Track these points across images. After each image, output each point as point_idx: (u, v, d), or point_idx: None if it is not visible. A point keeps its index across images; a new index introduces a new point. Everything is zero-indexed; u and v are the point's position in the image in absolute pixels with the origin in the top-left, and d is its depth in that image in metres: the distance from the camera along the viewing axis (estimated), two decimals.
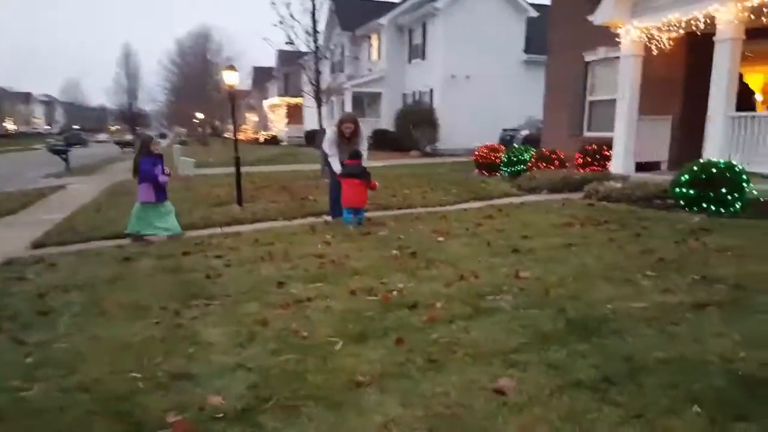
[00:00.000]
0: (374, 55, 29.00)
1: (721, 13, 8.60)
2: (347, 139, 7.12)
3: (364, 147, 7.31)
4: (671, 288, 3.83)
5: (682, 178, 7.29)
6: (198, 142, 45.08)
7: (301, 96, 40.70)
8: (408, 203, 8.82)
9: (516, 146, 12.83)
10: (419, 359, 2.85)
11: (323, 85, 23.88)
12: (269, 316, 3.61)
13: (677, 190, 7.37)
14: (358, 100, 30.05)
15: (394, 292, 4.00)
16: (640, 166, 10.86)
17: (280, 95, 45.77)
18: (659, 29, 10.33)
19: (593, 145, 11.49)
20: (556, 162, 11.67)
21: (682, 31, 10.19)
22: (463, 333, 3.19)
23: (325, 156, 7.50)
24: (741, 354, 2.77)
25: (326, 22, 23.49)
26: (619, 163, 10.68)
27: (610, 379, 2.54)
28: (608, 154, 11.14)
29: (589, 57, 13.36)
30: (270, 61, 46.83)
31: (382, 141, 25.45)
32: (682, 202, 7.33)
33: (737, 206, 6.98)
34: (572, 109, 13.95)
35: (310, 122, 35.97)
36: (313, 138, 28.44)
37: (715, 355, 2.76)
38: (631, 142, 10.66)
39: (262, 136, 46.70)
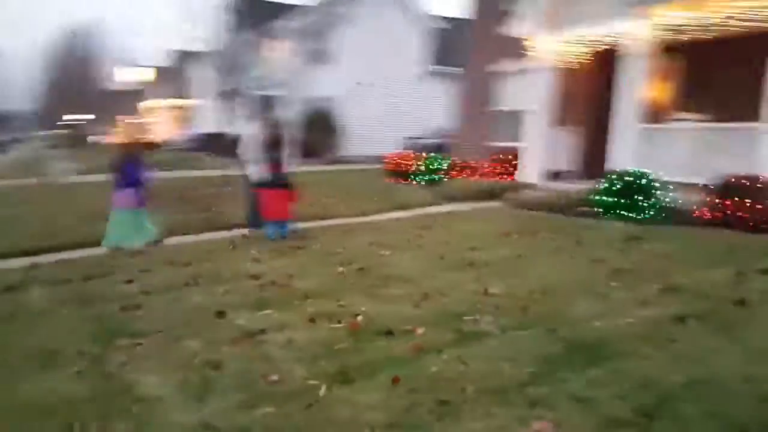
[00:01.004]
0: (278, 58, 28.03)
1: (632, 29, 9.04)
2: (269, 145, 6.52)
3: (287, 154, 6.75)
4: (644, 300, 3.73)
5: (602, 187, 7.51)
6: (71, 146, 40.99)
7: (193, 97, 38.75)
8: (330, 213, 8.34)
9: (431, 155, 12.75)
10: (428, 401, 2.43)
11: (224, 87, 22.80)
12: (220, 357, 3.01)
13: (597, 198, 7.58)
14: (261, 103, 28.93)
15: (359, 317, 3.55)
16: (551, 175, 11.22)
17: (170, 96, 42.96)
18: (573, 43, 10.74)
19: (505, 155, 11.70)
20: (471, 171, 11.75)
21: (597, 45, 10.67)
22: (460, 364, 2.82)
23: (242, 163, 6.82)
24: (751, 371, 2.65)
25: (228, 22, 22.29)
26: (530, 173, 10.93)
27: (647, 413, 2.30)
28: (517, 163, 11.39)
29: (502, 68, 13.68)
30: (157, 60, 43.83)
31: None
32: (600, 210, 7.54)
33: (651, 213, 7.30)
34: (484, 119, 14.21)
35: (204, 125, 34.12)
36: (211, 142, 26.91)
37: (729, 374, 2.63)
38: (542, 152, 10.96)
39: (144, 139, 43.42)
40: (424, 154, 13.19)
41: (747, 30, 8.51)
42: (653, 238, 5.83)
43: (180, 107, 40.82)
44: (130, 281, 4.60)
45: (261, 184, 6.25)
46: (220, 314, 3.70)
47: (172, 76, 42.89)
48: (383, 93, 25.88)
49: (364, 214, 8.43)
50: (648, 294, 3.87)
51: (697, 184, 8.35)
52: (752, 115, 8.96)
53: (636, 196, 7.21)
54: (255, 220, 6.86)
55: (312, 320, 3.52)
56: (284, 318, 3.60)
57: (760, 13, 7.68)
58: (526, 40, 11.12)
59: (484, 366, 2.77)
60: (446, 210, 8.37)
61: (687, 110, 9.95)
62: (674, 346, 2.96)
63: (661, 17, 8.49)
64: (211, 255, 5.53)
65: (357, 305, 3.80)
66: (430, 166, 12.43)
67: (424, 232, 6.47)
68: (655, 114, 10.45)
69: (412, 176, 13.16)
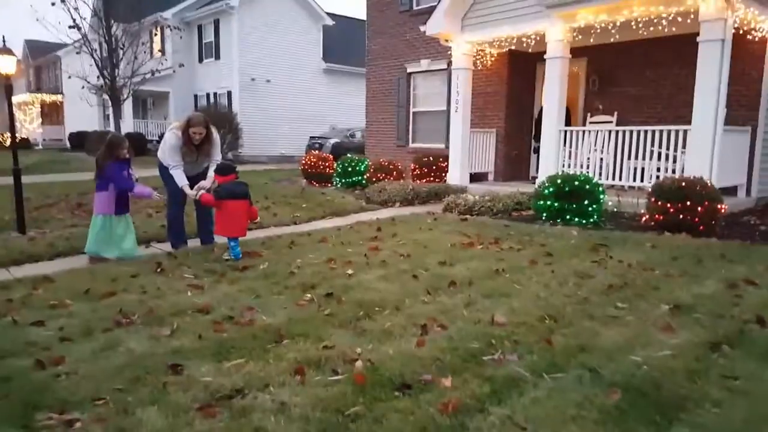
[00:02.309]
0: (159, 51, 25.90)
1: (550, 32, 9.02)
2: (195, 147, 5.60)
3: (218, 158, 5.87)
4: (663, 324, 3.41)
5: (546, 191, 7.35)
6: None
7: (60, 93, 34.88)
8: (257, 222, 7.47)
9: (350, 156, 12.15)
10: None
11: (101, 81, 20.49)
12: None
13: (541, 202, 7.41)
14: (140, 99, 26.66)
15: (358, 363, 2.89)
16: (472, 177, 11.08)
17: (30, 91, 38.43)
18: (490, 44, 10.60)
19: (429, 157, 11.39)
20: (395, 173, 11.30)
21: (513, 47, 10.61)
22: (516, 428, 2.27)
23: (162, 168, 5.83)
24: None
25: (97, 10, 20.07)
26: (456, 175, 10.72)
27: None
28: (444, 165, 11.13)
29: (411, 68, 13.38)
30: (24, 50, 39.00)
31: None
32: (545, 215, 7.39)
33: (596, 217, 7.26)
34: (397, 120, 13.84)
35: (76, 123, 30.94)
36: (84, 141, 24.29)
37: None
38: (465, 154, 10.79)
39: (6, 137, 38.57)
40: (349, 156, 12.55)
41: (663, 34, 8.82)
42: (615, 246, 5.67)
43: (49, 103, 36.74)
44: (39, 323, 3.56)
45: (220, 196, 5.30)
46: (176, 368, 2.87)
47: (41, 69, 38.66)
48: (283, 90, 24.93)
49: (295, 223, 7.71)
50: (661, 316, 3.56)
51: (631, 186, 8.57)
52: (677, 117, 9.36)
53: (584, 201, 7.11)
54: (178, 235, 5.92)
55: (299, 372, 2.81)
56: (262, 370, 2.84)
57: (671, 19, 7.90)
58: (444, 39, 10.85)
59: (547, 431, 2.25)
60: (386, 216, 7.82)
61: (609, 112, 10.21)
62: (737, 385, 2.62)
63: (580, 19, 8.52)
64: (135, 281, 4.55)
65: (347, 346, 3.13)
66: (350, 169, 11.83)
67: (378, 243, 5.87)
68: (580, 116, 10.64)
69: (332, 179, 12.53)
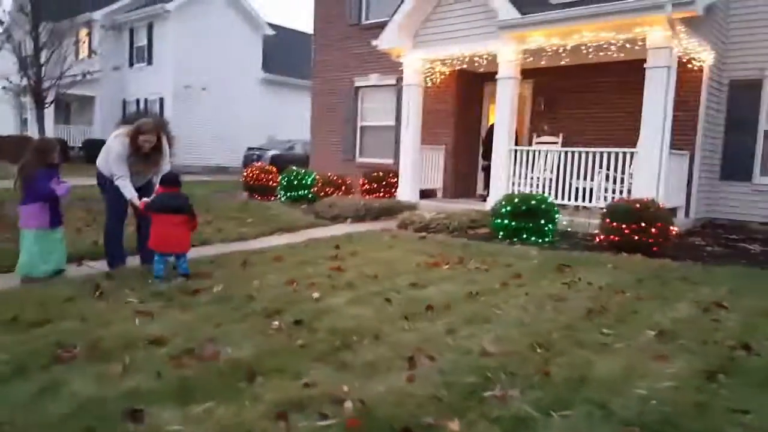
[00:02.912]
0: (85, 54, 24.41)
1: (502, 52, 9.09)
2: (144, 155, 5.11)
3: (167, 168, 5.38)
4: (654, 352, 3.30)
5: (503, 210, 7.30)
6: None
7: None
8: (199, 238, 6.95)
9: (296, 169, 11.75)
10: None
11: (20, 82, 18.98)
12: None
13: (498, 221, 7.34)
14: (63, 103, 24.98)
15: (347, 404, 2.58)
16: (421, 194, 10.97)
17: None
18: (441, 62, 10.58)
19: (378, 172, 11.19)
20: (343, 188, 11.01)
21: (465, 66, 10.63)
22: None
23: (102, 178, 5.28)
24: None
25: (23, 5, 18.69)
26: (406, 191, 10.57)
27: None
28: (394, 181, 10.96)
29: (360, 82, 13.21)
30: None
31: (96, 154, 21.39)
32: (501, 233, 7.33)
33: (551, 236, 7.27)
34: (344, 134, 13.60)
35: None
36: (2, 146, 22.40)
37: None
38: (416, 170, 10.67)
39: None
40: (294, 169, 12.12)
41: (609, 59, 9.09)
42: (578, 266, 5.64)
43: None
44: None
45: (153, 209, 4.83)
46: (135, 414, 2.45)
47: None
48: (219, 99, 24.10)
49: (243, 239, 7.25)
50: (648, 343, 3.47)
51: (578, 207, 8.68)
52: (619, 140, 9.63)
53: (541, 220, 7.10)
54: (116, 252, 5.37)
55: (282, 417, 2.46)
56: (237, 415, 2.48)
57: (620, 45, 8.14)
58: (396, 55, 10.75)
59: None
60: (340, 233, 7.50)
61: (554, 133, 10.40)
62: (750, 421, 2.51)
63: (531, 42, 8.64)
64: (71, 306, 4.01)
65: (330, 383, 2.81)
66: (296, 182, 11.45)
67: (339, 263, 5.55)
68: (526, 137, 10.78)
69: (275, 192, 12.10)
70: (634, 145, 8.92)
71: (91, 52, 23.71)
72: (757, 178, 9.45)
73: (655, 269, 5.58)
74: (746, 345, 3.38)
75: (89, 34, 24.19)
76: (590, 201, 8.52)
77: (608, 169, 8.38)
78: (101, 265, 5.42)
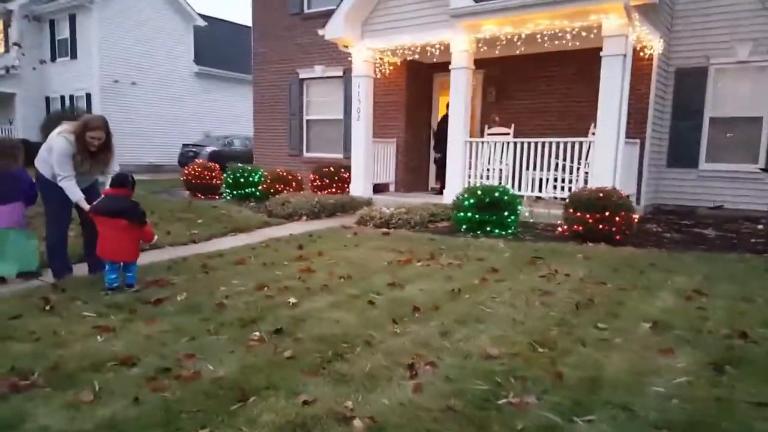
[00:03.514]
0: (4, 47, 22.58)
1: (455, 42, 8.97)
2: (92, 154, 4.60)
3: (115, 168, 4.89)
4: (656, 346, 3.23)
5: (466, 203, 7.18)
6: None
7: None
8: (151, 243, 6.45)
9: (242, 166, 11.25)
10: None
11: None
12: None
13: (461, 214, 7.22)
14: None
15: (356, 423, 2.32)
16: (374, 188, 10.75)
17: None
18: (392, 52, 10.37)
19: (330, 167, 10.87)
20: (294, 184, 10.62)
21: (417, 56, 10.45)
22: None
23: (42, 181, 4.74)
24: None
25: None
26: (359, 186, 10.32)
27: None
28: (346, 176, 10.67)
29: (304, 74, 12.80)
30: None
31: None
32: (464, 226, 7.22)
33: (513, 228, 7.23)
34: (289, 128, 13.17)
35: None
36: None
37: None
38: (369, 165, 10.44)
39: None
40: (239, 166, 11.59)
41: (564, 48, 9.15)
42: (549, 258, 5.57)
43: None
44: None
45: (97, 211, 4.36)
46: None
47: None
48: (151, 94, 22.97)
49: (194, 242, 6.80)
50: (646, 336, 3.38)
51: (532, 197, 8.70)
52: (570, 129, 9.74)
53: (504, 212, 7.03)
54: (58, 260, 4.85)
55: None
56: None
57: (575, 33, 8.20)
58: (344, 45, 10.45)
59: None
60: (299, 232, 7.16)
61: (506, 124, 10.41)
62: None
63: (485, 30, 8.57)
64: (20, 324, 3.51)
65: (330, 398, 2.54)
66: (242, 179, 10.97)
67: (307, 263, 5.24)
68: (477, 128, 10.72)
69: (219, 190, 11.57)
70: (585, 134, 9.06)
71: (8, 45, 21.95)
72: (703, 165, 9.81)
73: (624, 258, 5.60)
74: (742, 333, 3.36)
75: (7, 26, 22.39)
76: (545, 191, 8.56)
77: (563, 159, 8.43)
78: (45, 276, 4.88)
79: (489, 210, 7.07)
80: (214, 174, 11.88)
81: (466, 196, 7.20)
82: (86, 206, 4.51)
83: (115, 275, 4.37)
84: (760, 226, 8.23)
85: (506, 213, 7.09)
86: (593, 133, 9.03)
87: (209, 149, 20.51)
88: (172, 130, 23.26)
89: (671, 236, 7.30)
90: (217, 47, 25.38)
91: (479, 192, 7.11)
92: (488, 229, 7.07)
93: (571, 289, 4.39)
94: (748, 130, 9.61)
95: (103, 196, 4.48)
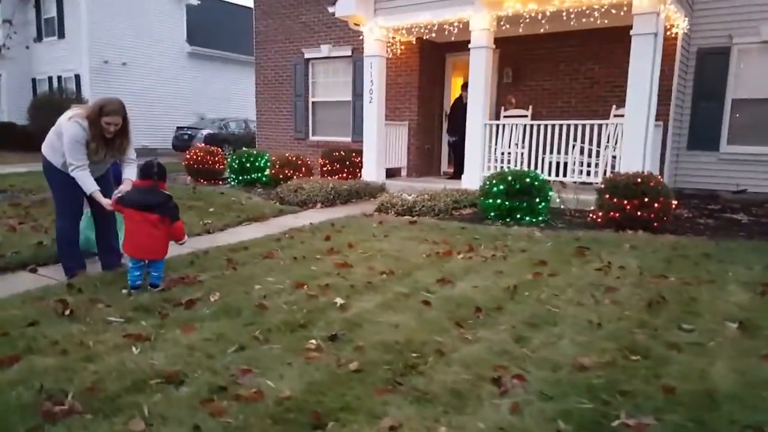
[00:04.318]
0: None
1: (475, 20, 8.56)
2: (108, 140, 4.20)
3: (133, 156, 4.49)
4: (754, 351, 2.94)
5: (495, 189, 6.84)
6: None
7: None
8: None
9: (247, 150, 10.82)
10: None
11: None
12: None
13: (490, 201, 6.88)
14: None
15: None
16: (386, 173, 10.38)
17: None
18: (408, 30, 9.93)
19: (341, 151, 10.47)
20: (303, 169, 10.22)
21: (433, 35, 10.02)
22: None
23: (50, 168, 4.34)
24: None
25: None
26: (372, 171, 9.94)
27: None
28: (357, 160, 10.28)
29: (310, 54, 12.31)
30: None
31: (7, 139, 19.23)
32: (493, 214, 6.89)
33: (545, 215, 6.91)
34: (294, 110, 12.70)
35: None
36: None
37: None
38: (382, 148, 10.04)
39: None
40: (245, 150, 11.16)
41: (589, 26, 8.77)
42: (595, 248, 5.26)
43: None
44: None
45: (126, 203, 3.97)
46: None
47: None
48: (142, 75, 22.30)
49: (209, 232, 6.41)
50: (739, 339, 3.08)
51: (558, 181, 8.37)
52: (590, 111, 9.40)
53: (536, 199, 6.71)
54: (72, 255, 4.47)
55: None
56: None
57: (604, 11, 7.83)
58: (355, 23, 9.98)
59: None
60: (318, 220, 6.79)
61: (523, 106, 10.05)
62: None
63: (507, 8, 8.14)
64: (38, 332, 3.13)
65: (419, 422, 2.22)
66: (248, 164, 10.55)
67: (340, 257, 4.89)
68: (493, 110, 10.32)
69: (224, 176, 11.16)
70: (606, 116, 8.74)
71: None
72: (725, 147, 9.54)
73: (672, 248, 5.30)
74: None
75: None
76: (564, 175, 8.24)
77: (588, 143, 8.11)
78: (55, 273, 4.49)
79: (519, 196, 6.73)
80: (216, 158, 11.43)
81: (495, 182, 6.85)
82: (102, 199, 4.12)
83: (138, 272, 4.00)
84: None
85: (537, 200, 6.76)
86: (615, 115, 8.74)
87: (205, 132, 20.01)
88: (166, 112, 22.64)
89: (705, 222, 7.03)
90: (212, 27, 24.68)
91: (509, 177, 6.76)
92: (518, 216, 6.75)
93: (634, 284, 4.09)
94: None
95: (133, 188, 4.09)
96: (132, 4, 21.84)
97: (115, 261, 4.62)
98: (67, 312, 3.46)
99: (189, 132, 20.16)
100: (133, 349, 2.93)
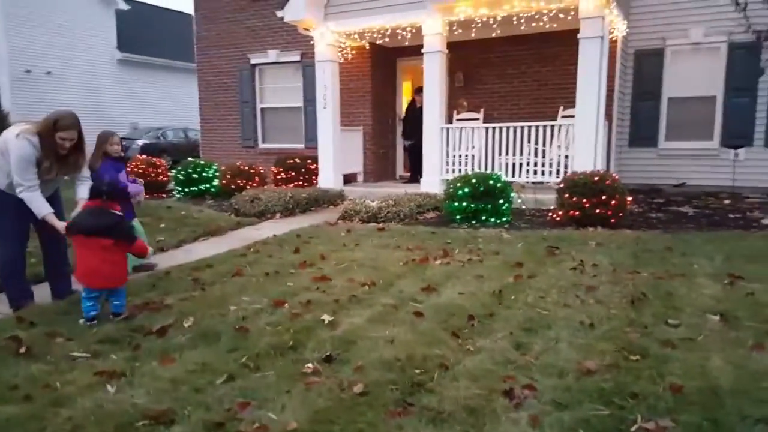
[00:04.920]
0: None
1: (428, 24, 8.58)
2: (58, 157, 3.88)
3: (87, 173, 4.19)
4: (741, 342, 3.02)
5: (461, 192, 6.85)
6: None
7: None
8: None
9: (192, 160, 10.42)
10: None
11: None
12: None
13: (456, 204, 6.90)
14: None
15: None
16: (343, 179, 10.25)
17: None
18: (359, 35, 9.84)
19: (295, 159, 10.26)
20: (257, 178, 9.93)
21: (387, 39, 9.96)
22: None
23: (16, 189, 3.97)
24: None
25: None
26: (329, 177, 9.79)
27: None
28: (313, 167, 10.11)
29: (257, 59, 12.02)
30: None
31: None
32: (458, 217, 6.90)
33: (508, 216, 6.98)
34: (241, 117, 12.36)
35: None
36: None
37: None
38: (338, 154, 9.92)
39: None
40: (191, 161, 10.74)
41: (538, 30, 8.96)
42: (564, 247, 5.35)
43: None
44: None
45: (74, 230, 3.66)
46: None
47: None
48: (70, 84, 21.20)
49: (162, 249, 6.11)
50: (723, 331, 3.17)
51: (513, 182, 8.48)
52: (539, 113, 9.61)
53: (498, 200, 6.77)
54: (17, 285, 4.10)
55: None
56: None
57: (552, 15, 8.02)
58: (304, 28, 9.83)
59: None
60: (282, 232, 6.58)
61: (474, 109, 10.16)
62: None
63: (459, 13, 8.22)
64: None
65: None
66: (195, 175, 10.16)
67: (314, 270, 4.73)
68: (445, 113, 10.34)
69: (168, 188, 10.72)
70: (554, 117, 8.97)
71: None
72: (663, 143, 9.99)
73: (634, 242, 5.47)
74: None
75: None
76: (519, 176, 8.38)
77: (537, 143, 8.29)
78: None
79: (484, 198, 6.79)
80: (159, 170, 10.95)
81: (460, 185, 6.87)
82: (56, 222, 3.80)
83: (91, 303, 3.65)
84: (727, 201, 8.44)
85: (501, 201, 6.83)
86: (563, 116, 8.98)
87: (140, 142, 19.23)
88: (97, 123, 21.46)
89: (656, 216, 7.31)
90: (145, 33, 23.76)
91: (474, 180, 6.80)
92: (483, 218, 6.79)
93: (611, 282, 4.15)
94: (703, 110, 9.83)
95: (83, 209, 3.78)
96: (55, 10, 20.70)
97: (66, 288, 4.28)
98: (23, 350, 3.14)
99: (124, 143, 19.27)
100: (109, 387, 2.68)
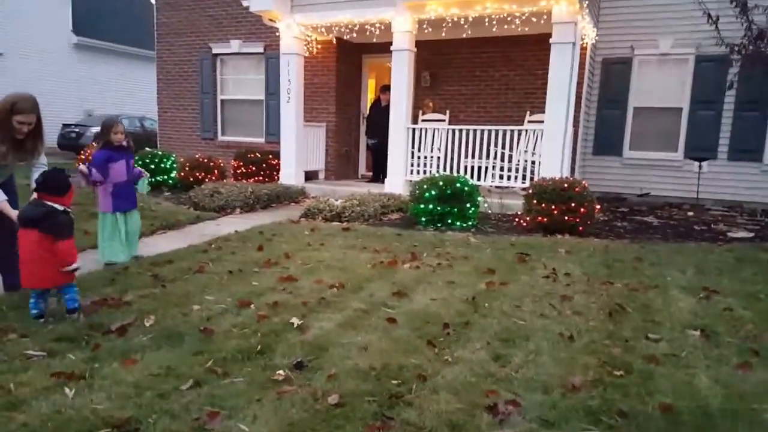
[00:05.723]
0: None
1: (397, 22, 8.44)
2: (14, 143, 3.55)
3: (44, 160, 3.87)
4: (725, 360, 2.97)
5: (427, 194, 6.73)
6: None
7: None
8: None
9: (150, 151, 9.97)
10: None
11: None
12: None
13: (422, 206, 6.77)
14: None
15: None
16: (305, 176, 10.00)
17: None
18: (327, 29, 9.61)
19: (257, 153, 9.93)
20: (216, 172, 9.56)
21: (355, 35, 9.75)
22: None
23: None
24: None
25: None
26: (290, 174, 9.53)
27: None
28: (275, 163, 9.81)
29: (218, 49, 11.62)
30: None
31: None
32: (424, 219, 6.78)
33: (474, 219, 6.90)
34: (201, 108, 11.93)
35: None
36: None
37: None
38: (301, 151, 9.68)
39: None
40: (148, 151, 10.26)
41: (509, 33, 8.92)
42: (534, 254, 5.28)
43: None
44: None
45: (21, 220, 3.34)
46: None
47: None
48: (22, 68, 20.17)
49: None
50: (705, 347, 3.11)
51: (485, 185, 8.43)
52: (505, 117, 9.60)
53: (465, 204, 6.68)
54: None
55: None
56: None
57: (525, 18, 8.00)
58: (270, 19, 9.54)
59: None
60: (244, 228, 6.29)
61: (440, 110, 10.09)
62: None
63: (429, 11, 8.10)
64: None
65: None
66: (152, 166, 9.73)
67: (279, 270, 4.51)
68: (414, 113, 10.22)
69: None
70: (520, 122, 8.98)
71: None
72: (627, 152, 10.14)
73: (603, 252, 5.44)
74: None
75: None
76: (484, 180, 8.32)
77: (504, 147, 8.26)
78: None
79: (451, 202, 6.67)
80: None
81: (426, 187, 6.74)
82: (10, 211, 3.48)
83: (33, 300, 3.36)
84: (690, 213, 8.61)
85: (468, 204, 6.74)
86: (529, 121, 9.00)
87: (94, 130, 18.35)
88: (50, 108, 20.34)
89: (622, 225, 7.37)
90: (103, 17, 22.77)
91: (441, 183, 6.68)
92: (449, 221, 6.68)
93: (585, 292, 4.09)
94: (669, 121, 9.99)
95: (30, 202, 3.46)
96: None
97: (18, 280, 3.92)
98: None
99: (77, 130, 18.49)
100: (67, 390, 2.43)
